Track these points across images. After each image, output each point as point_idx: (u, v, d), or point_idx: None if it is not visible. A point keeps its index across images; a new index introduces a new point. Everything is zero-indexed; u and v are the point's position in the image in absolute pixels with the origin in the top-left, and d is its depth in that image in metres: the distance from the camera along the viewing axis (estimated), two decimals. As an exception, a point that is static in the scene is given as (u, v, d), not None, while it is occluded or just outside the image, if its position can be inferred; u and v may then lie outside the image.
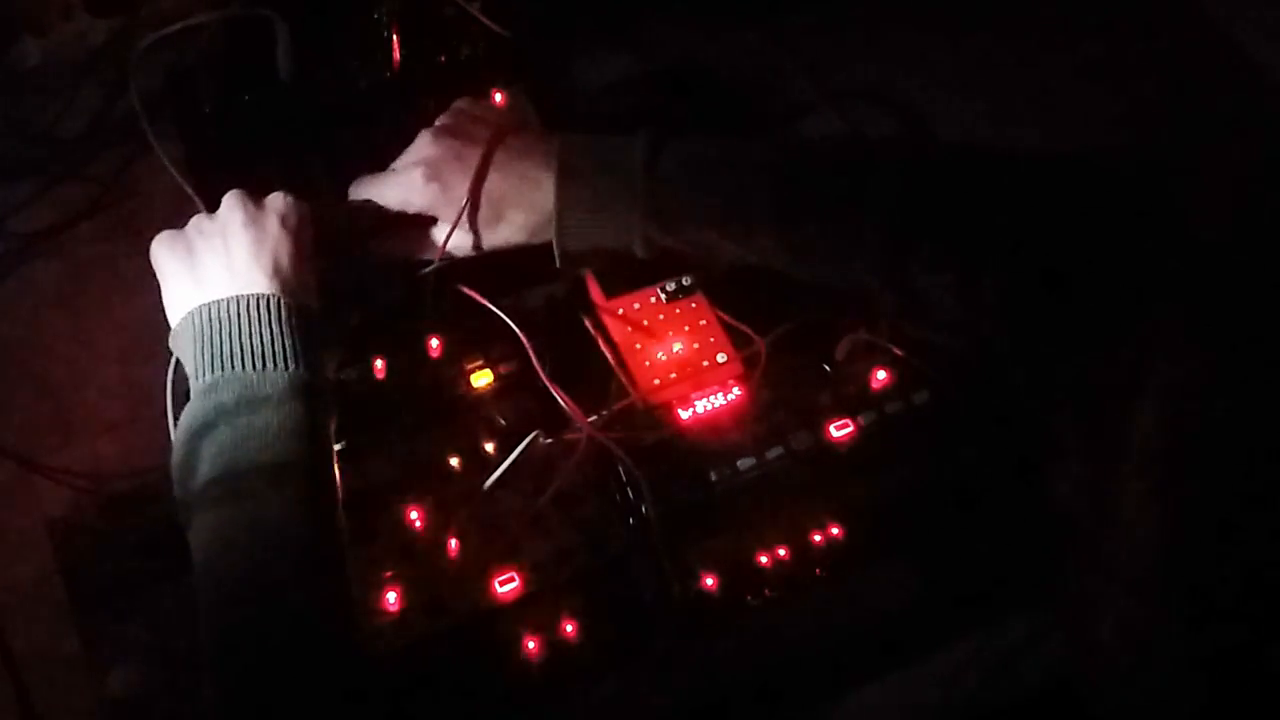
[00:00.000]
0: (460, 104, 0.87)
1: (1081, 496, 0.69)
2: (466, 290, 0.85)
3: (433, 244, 0.83)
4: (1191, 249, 0.70)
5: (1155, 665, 0.65)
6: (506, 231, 0.82)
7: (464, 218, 0.81)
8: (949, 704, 0.82)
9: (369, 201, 0.84)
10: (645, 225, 0.79)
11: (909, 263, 0.75)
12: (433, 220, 0.83)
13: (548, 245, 0.82)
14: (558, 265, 0.83)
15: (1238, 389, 0.65)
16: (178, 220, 0.81)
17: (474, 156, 0.81)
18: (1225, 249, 0.70)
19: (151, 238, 0.80)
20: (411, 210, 0.83)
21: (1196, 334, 0.67)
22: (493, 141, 0.82)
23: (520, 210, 0.81)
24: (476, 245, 0.83)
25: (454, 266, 0.85)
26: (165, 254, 0.78)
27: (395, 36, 0.95)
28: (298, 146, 0.93)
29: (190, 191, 0.87)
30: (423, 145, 0.84)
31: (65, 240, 0.95)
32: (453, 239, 0.82)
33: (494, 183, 0.81)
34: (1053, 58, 1.10)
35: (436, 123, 0.85)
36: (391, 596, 0.78)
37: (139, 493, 0.81)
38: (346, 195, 0.87)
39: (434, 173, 0.82)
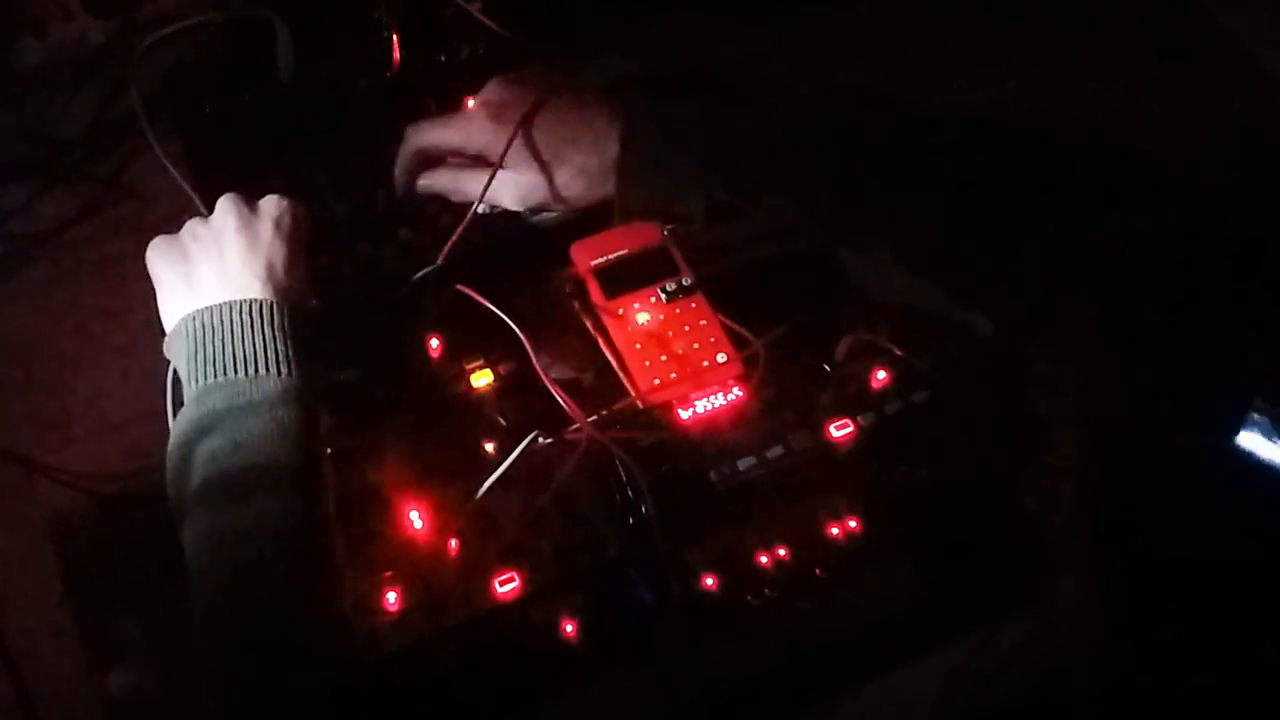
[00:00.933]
0: (534, 64, 0.89)
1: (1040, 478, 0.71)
2: (466, 290, 0.85)
3: (485, 187, 0.85)
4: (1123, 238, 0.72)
5: (1087, 643, 0.67)
6: (565, 177, 0.84)
7: (524, 164, 0.83)
8: (949, 704, 0.82)
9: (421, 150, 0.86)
10: (707, 175, 0.80)
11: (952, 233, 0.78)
12: (488, 166, 0.85)
13: (597, 202, 0.84)
14: (616, 218, 0.85)
15: (1140, 380, 0.68)
16: (178, 220, 0.81)
17: (540, 103, 0.83)
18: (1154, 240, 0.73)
19: (152, 238, 0.80)
20: (470, 151, 0.84)
21: (1107, 326, 0.70)
22: (560, 90, 0.84)
23: (582, 154, 0.83)
24: (532, 192, 0.84)
25: (454, 266, 0.85)
26: (160, 260, 0.78)
27: (395, 36, 0.95)
28: (298, 146, 0.93)
29: (190, 191, 0.87)
30: (490, 90, 0.86)
31: (65, 240, 0.95)
32: (510, 185, 0.83)
33: (557, 127, 0.83)
34: (1055, 57, 1.10)
35: (507, 74, 0.87)
36: (391, 596, 0.78)
37: (139, 493, 0.81)
38: (346, 194, 0.87)
39: (497, 113, 0.83)
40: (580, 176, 0.83)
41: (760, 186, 0.82)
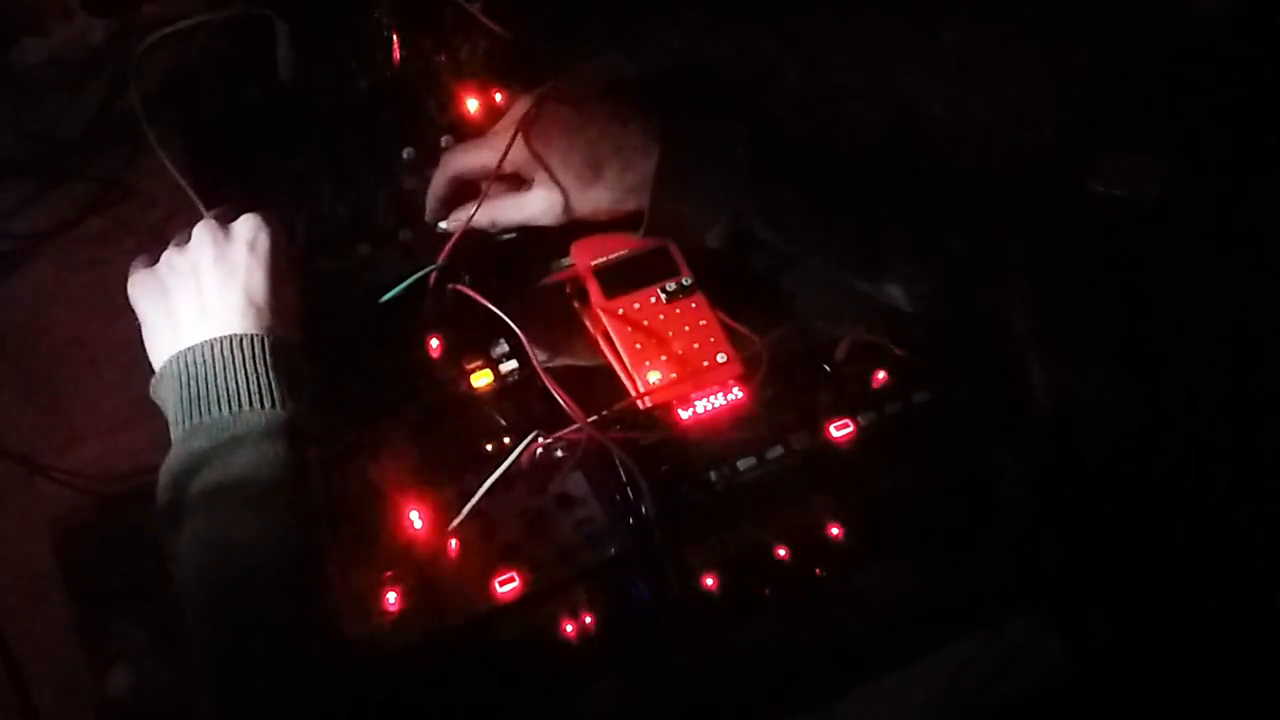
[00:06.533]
0: (559, 82, 0.88)
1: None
2: (466, 290, 0.85)
3: (521, 209, 0.85)
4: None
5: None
6: (600, 193, 0.84)
7: (558, 178, 0.83)
8: (949, 704, 0.82)
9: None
10: (741, 197, 0.81)
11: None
12: (520, 185, 0.85)
13: (627, 216, 0.84)
14: (642, 232, 0.85)
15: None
16: (178, 220, 0.81)
17: (574, 117, 0.83)
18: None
19: (151, 238, 0.80)
20: (506, 170, 0.84)
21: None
22: (593, 104, 0.84)
23: (618, 170, 0.83)
24: (566, 209, 0.85)
25: (454, 266, 0.85)
26: (141, 296, 0.79)
27: (395, 36, 0.95)
28: (298, 146, 0.93)
29: (190, 191, 0.87)
30: (522, 106, 0.86)
31: (65, 240, 0.95)
32: (543, 202, 0.84)
33: (593, 142, 0.83)
34: (1057, 57, 1.10)
35: (539, 90, 0.86)
36: (391, 596, 0.78)
37: (139, 493, 0.81)
38: (346, 194, 0.87)
39: (531, 130, 0.84)
40: (615, 191, 0.84)
41: (793, 214, 0.82)
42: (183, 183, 0.88)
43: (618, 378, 0.86)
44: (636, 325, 0.87)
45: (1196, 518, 0.75)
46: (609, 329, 0.87)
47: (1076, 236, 0.79)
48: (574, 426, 0.82)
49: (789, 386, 0.87)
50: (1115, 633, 0.81)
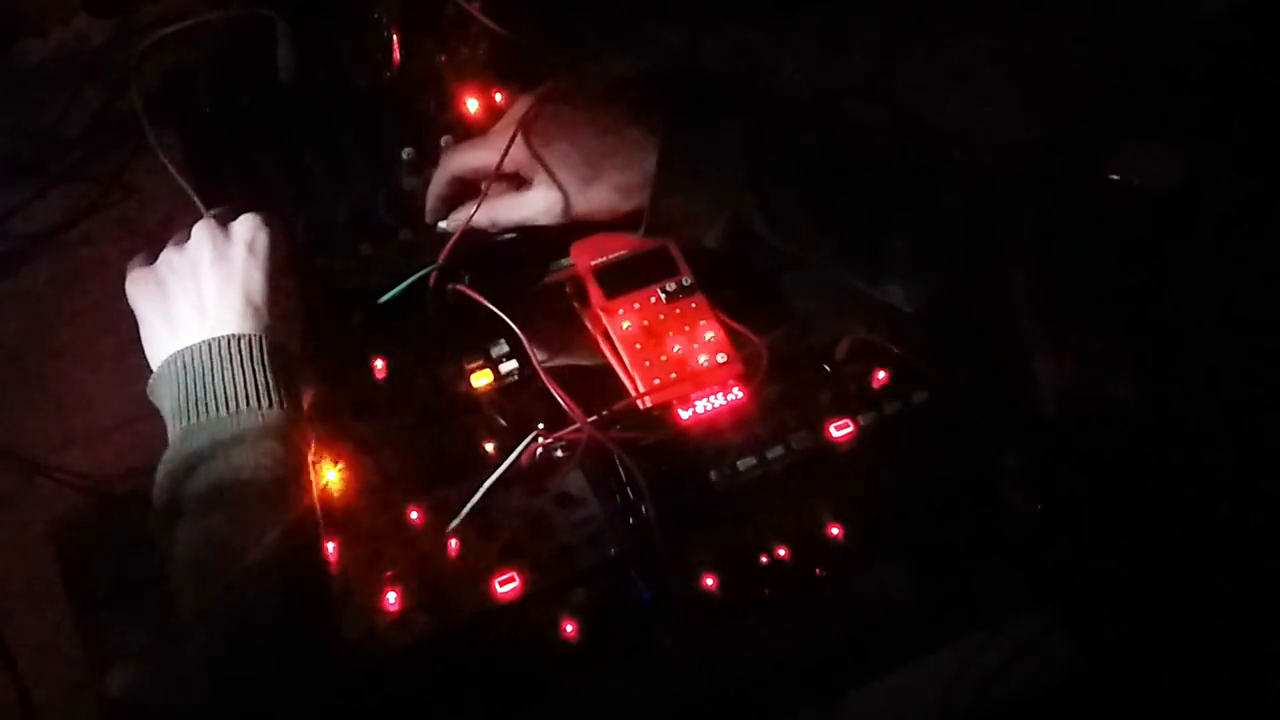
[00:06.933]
0: (559, 82, 0.88)
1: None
2: (466, 290, 0.85)
3: (521, 208, 0.85)
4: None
5: None
6: (600, 193, 0.84)
7: (558, 178, 0.83)
8: (949, 704, 0.82)
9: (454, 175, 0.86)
10: (741, 197, 0.81)
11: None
12: (519, 185, 0.85)
13: (627, 216, 0.84)
14: (642, 232, 0.85)
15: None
16: (178, 220, 0.81)
17: (574, 117, 0.83)
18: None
19: (151, 238, 0.80)
20: (506, 170, 0.84)
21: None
22: (594, 104, 0.84)
23: (617, 170, 0.83)
24: (566, 208, 0.84)
25: (454, 266, 0.85)
26: (139, 295, 0.79)
27: (395, 36, 0.95)
28: (298, 147, 0.93)
29: (190, 191, 0.87)
30: (522, 105, 0.85)
31: (65, 240, 0.95)
32: (543, 201, 0.84)
33: (593, 141, 0.83)
34: (1059, 53, 1.09)
35: (539, 90, 0.86)
36: (391, 596, 0.78)
37: (139, 493, 0.81)
38: (346, 194, 0.87)
39: (532, 130, 0.83)
40: (615, 192, 0.83)
41: (793, 213, 0.82)
42: (182, 183, 0.88)
43: (618, 378, 0.86)
44: (636, 325, 0.87)
45: (1203, 516, 0.75)
46: (609, 329, 0.87)
47: (1090, 231, 0.79)
48: (574, 426, 0.82)
49: (789, 386, 0.87)
50: (1120, 631, 0.80)
